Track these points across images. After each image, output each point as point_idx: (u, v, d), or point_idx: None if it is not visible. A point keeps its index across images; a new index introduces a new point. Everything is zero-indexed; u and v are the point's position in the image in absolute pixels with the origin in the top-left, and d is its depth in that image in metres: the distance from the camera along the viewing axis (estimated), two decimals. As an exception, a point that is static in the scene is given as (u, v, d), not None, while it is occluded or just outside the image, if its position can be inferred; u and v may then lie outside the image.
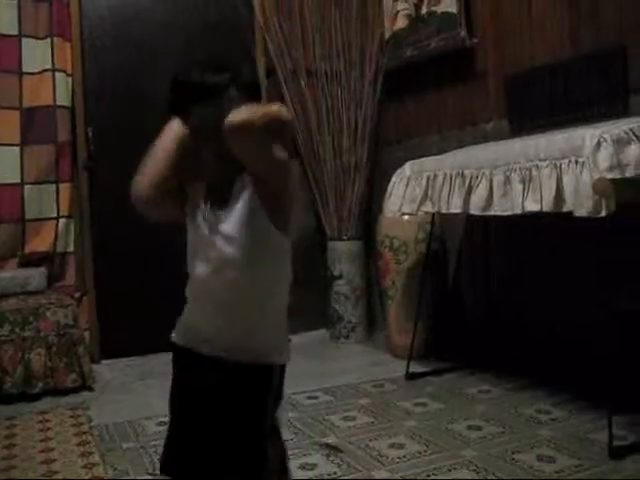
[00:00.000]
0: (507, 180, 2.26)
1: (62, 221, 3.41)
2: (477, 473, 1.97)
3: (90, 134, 3.52)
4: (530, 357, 2.87)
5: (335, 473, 2.02)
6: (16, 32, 3.34)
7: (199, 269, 1.24)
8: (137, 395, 2.95)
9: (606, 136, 1.94)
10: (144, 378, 3.19)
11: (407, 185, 2.78)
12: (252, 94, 1.20)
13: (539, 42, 2.85)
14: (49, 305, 3.00)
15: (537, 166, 2.14)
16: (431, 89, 3.53)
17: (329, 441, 2.28)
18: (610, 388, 2.06)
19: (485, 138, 3.06)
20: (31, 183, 3.36)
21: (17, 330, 2.90)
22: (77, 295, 3.40)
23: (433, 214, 2.92)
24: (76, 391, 2.98)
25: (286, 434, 2.30)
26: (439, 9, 3.30)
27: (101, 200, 3.53)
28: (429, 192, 2.67)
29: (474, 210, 2.42)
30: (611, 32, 2.52)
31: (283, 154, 1.14)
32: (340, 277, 3.79)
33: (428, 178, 2.67)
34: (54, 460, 2.19)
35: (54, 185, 3.40)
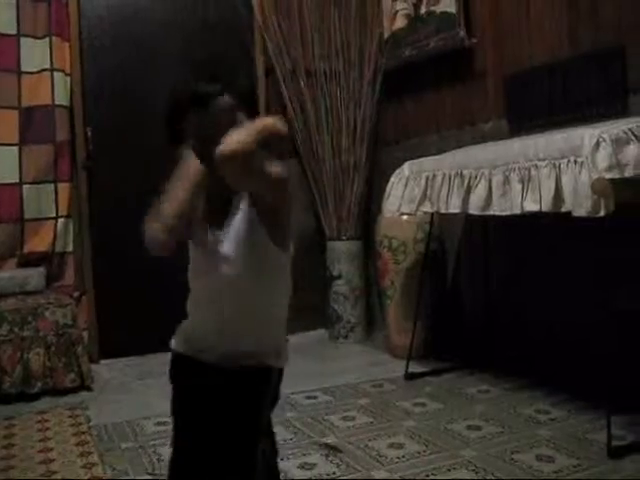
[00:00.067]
0: (506, 180, 2.26)
1: (61, 221, 3.40)
2: (476, 473, 1.97)
3: (89, 134, 3.50)
4: (529, 357, 2.87)
5: (334, 473, 2.02)
6: (15, 31, 3.33)
7: (200, 284, 1.27)
8: (136, 395, 2.95)
9: (605, 136, 1.94)
10: (143, 378, 3.18)
11: (406, 185, 2.78)
12: (247, 102, 1.20)
13: (538, 42, 2.85)
14: (48, 305, 3.00)
15: (536, 166, 2.14)
16: (430, 89, 3.53)
17: (328, 441, 2.28)
18: (609, 388, 2.06)
19: (484, 138, 3.06)
20: (30, 183, 3.35)
21: (16, 330, 2.89)
22: (76, 295, 3.39)
23: (432, 214, 2.91)
24: (75, 391, 2.98)
25: (285, 434, 2.32)
26: (438, 9, 3.30)
27: (100, 200, 3.52)
28: (428, 192, 2.67)
29: (473, 210, 2.42)
30: (610, 32, 2.52)
31: (279, 169, 1.13)
32: (339, 277, 3.79)
33: (427, 178, 2.67)
34: (53, 460, 2.19)
35: (53, 185, 3.39)
